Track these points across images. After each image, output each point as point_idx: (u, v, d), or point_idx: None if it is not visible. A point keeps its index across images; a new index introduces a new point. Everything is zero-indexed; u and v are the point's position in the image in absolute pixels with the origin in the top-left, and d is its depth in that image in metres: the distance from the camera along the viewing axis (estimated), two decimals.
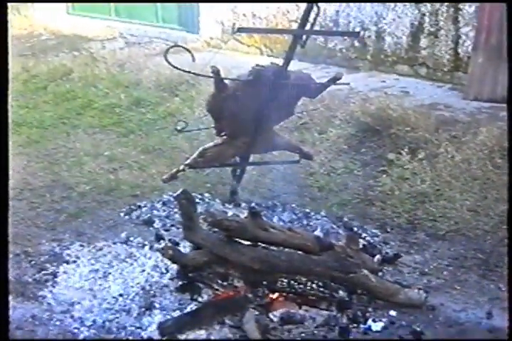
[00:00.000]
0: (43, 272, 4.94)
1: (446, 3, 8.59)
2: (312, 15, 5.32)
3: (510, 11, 4.28)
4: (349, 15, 9.36)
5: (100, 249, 5.34)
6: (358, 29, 9.11)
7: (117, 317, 4.46)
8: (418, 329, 4.40)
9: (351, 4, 9.30)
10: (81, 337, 4.28)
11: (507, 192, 4.38)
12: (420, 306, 4.63)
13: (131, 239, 5.46)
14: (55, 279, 4.90)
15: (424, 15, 8.80)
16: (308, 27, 5.40)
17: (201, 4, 10.85)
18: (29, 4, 12.39)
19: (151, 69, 9.00)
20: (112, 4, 12.06)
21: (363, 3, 9.23)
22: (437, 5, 8.68)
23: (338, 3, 9.34)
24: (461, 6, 8.49)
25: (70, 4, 12.47)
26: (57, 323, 4.36)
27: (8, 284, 3.08)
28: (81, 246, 5.38)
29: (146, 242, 5.39)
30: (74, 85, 9.03)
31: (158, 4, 11.53)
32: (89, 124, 7.91)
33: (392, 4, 9.00)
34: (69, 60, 9.97)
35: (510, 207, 3.90)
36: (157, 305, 4.59)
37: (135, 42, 10.78)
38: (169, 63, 5.24)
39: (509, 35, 4.85)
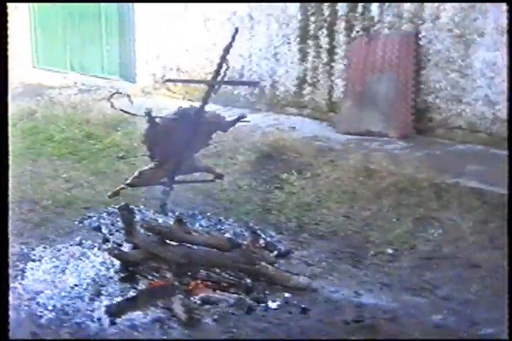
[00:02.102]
0: (14, 268, 4.85)
1: (324, 61, 8.67)
2: (223, 69, 5.36)
3: (510, 11, 4.14)
4: (251, 69, 9.41)
5: (59, 250, 5.29)
6: (257, 80, 9.14)
7: (73, 303, 4.43)
8: (304, 306, 4.44)
9: (253, 61, 9.33)
10: (44, 318, 4.23)
11: (507, 200, 4.30)
12: (306, 289, 4.67)
13: (84, 241, 5.42)
14: (24, 274, 4.85)
15: (306, 70, 8.89)
16: (219, 78, 5.44)
17: (137, 59, 10.82)
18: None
19: (98, 110, 8.94)
20: (68, 59, 11.95)
21: (261, 60, 9.26)
22: (316, 63, 8.75)
23: (242, 60, 9.38)
24: (333, 64, 8.59)
25: (35, 59, 12.31)
26: (26, 308, 4.33)
27: (8, 284, 2.90)
28: (44, 248, 5.33)
29: (96, 244, 5.35)
30: (38, 123, 8.93)
31: (105, 59, 11.48)
32: (50, 153, 7.83)
33: (283, 61, 9.06)
34: (33, 103, 9.86)
35: (510, 210, 3.78)
36: (104, 293, 4.57)
37: (85, 89, 10.68)
38: (112, 106, 5.26)
39: (509, 35, 4.47)
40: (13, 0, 9.60)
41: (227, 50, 5.39)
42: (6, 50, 2.85)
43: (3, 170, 2.81)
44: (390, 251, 5.47)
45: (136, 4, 10.62)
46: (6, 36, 2.83)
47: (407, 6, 7.87)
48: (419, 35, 7.87)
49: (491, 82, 7.40)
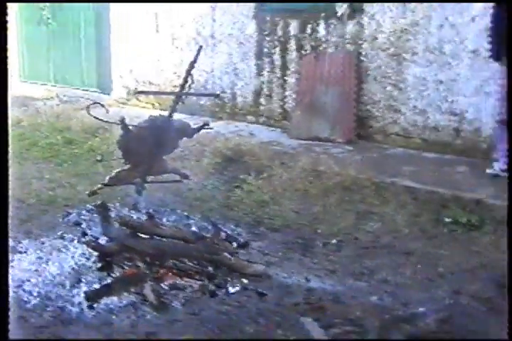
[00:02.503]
0: None
1: (278, 75, 8.69)
2: (188, 82, 5.37)
3: (510, 11, 3.88)
4: (214, 82, 9.42)
5: (43, 243, 5.23)
6: (218, 92, 9.13)
7: (56, 290, 4.40)
8: (261, 291, 4.45)
9: (215, 75, 9.34)
10: (30, 303, 4.20)
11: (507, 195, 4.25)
12: (262, 276, 4.68)
13: (65, 235, 5.37)
14: (11, 264, 4.76)
15: (262, 83, 8.91)
16: (185, 90, 5.44)
17: (113, 74, 10.78)
18: None
19: (78, 118, 8.87)
20: (51, 74, 11.87)
21: (223, 75, 9.27)
22: (271, 77, 8.77)
23: (206, 74, 9.38)
24: (286, 78, 8.61)
25: (22, 74, 12.20)
26: (13, 294, 4.24)
27: (8, 284, 2.74)
28: (29, 241, 5.27)
29: (76, 237, 5.29)
30: (24, 130, 8.85)
31: (84, 73, 11.43)
32: (35, 157, 7.77)
33: (242, 75, 9.08)
34: (20, 113, 9.75)
35: (510, 208, 3.70)
36: (83, 280, 4.52)
37: (67, 100, 10.60)
38: (90, 114, 5.21)
39: (509, 36, 4.20)
40: (13, 0, 9.37)
41: (191, 65, 5.40)
42: (5, 49, 2.68)
43: (2, 172, 2.67)
44: (335, 241, 5.49)
45: (112, 25, 10.58)
46: (5, 36, 2.65)
47: (349, 28, 7.92)
48: (360, 54, 7.93)
49: (421, 94, 7.48)
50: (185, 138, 5.76)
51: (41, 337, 3.85)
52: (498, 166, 6.45)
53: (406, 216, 5.84)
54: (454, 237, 5.50)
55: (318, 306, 4.26)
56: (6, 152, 2.67)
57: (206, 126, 5.71)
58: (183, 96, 5.56)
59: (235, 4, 9.04)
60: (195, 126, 5.69)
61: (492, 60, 6.51)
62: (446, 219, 5.71)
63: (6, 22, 2.69)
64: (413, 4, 7.39)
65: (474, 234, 5.50)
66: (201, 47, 5.57)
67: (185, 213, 5.98)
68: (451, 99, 7.26)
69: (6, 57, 2.68)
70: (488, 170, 6.45)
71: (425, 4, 7.29)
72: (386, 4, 7.59)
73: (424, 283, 4.70)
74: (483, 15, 6.75)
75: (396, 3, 7.52)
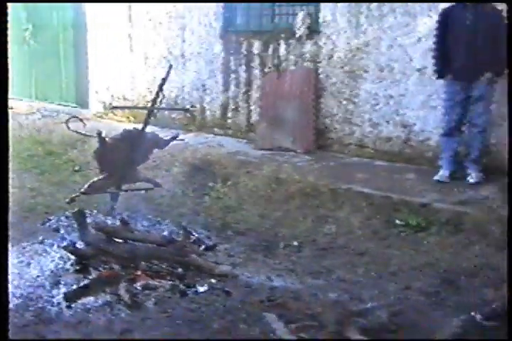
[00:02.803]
0: None
1: (243, 91, 8.71)
2: (160, 98, 5.38)
3: (510, 11, 3.64)
4: (184, 97, 9.41)
5: (24, 248, 5.18)
6: (188, 106, 9.14)
7: (36, 291, 4.36)
8: (227, 289, 4.45)
9: (185, 91, 9.33)
10: (12, 304, 4.12)
11: (507, 196, 4.15)
12: (228, 276, 4.67)
13: (45, 240, 5.31)
14: None
15: (229, 98, 8.92)
16: (157, 105, 5.46)
17: (90, 90, 10.73)
18: None
19: (57, 132, 8.80)
20: (33, 89, 11.79)
21: (192, 90, 9.27)
22: (237, 92, 8.79)
23: (177, 90, 9.37)
24: (250, 93, 8.63)
25: None
26: None
27: (7, 285, 2.67)
28: (12, 245, 5.17)
29: (55, 242, 5.26)
30: None
31: (63, 90, 11.39)
32: (17, 167, 7.67)
33: (209, 91, 9.08)
34: None
35: (510, 208, 3.62)
36: (62, 282, 4.49)
37: (48, 115, 10.51)
38: (69, 128, 5.25)
39: (509, 36, 3.75)
40: (13, 0, 9.18)
41: (163, 82, 5.41)
42: (5, 50, 2.63)
43: (2, 174, 2.64)
44: (295, 243, 5.51)
45: (89, 44, 10.54)
46: (5, 36, 2.60)
47: (307, 47, 7.97)
48: (318, 71, 7.98)
49: (374, 108, 7.53)
50: (157, 149, 5.78)
51: (24, 336, 3.81)
52: (443, 173, 6.53)
53: (360, 219, 5.87)
54: (403, 238, 5.55)
55: (280, 303, 4.27)
56: (7, 162, 2.59)
57: (176, 138, 5.75)
58: (155, 111, 5.58)
59: (202, 26, 9.06)
60: (166, 138, 5.71)
61: (436, 77, 6.58)
62: (397, 222, 5.74)
63: (6, 22, 2.62)
64: (364, 26, 7.45)
65: (422, 235, 5.55)
66: (171, 66, 5.60)
67: (157, 218, 5.96)
68: (401, 113, 7.32)
69: (6, 57, 2.63)
70: (434, 177, 6.51)
71: (376, 26, 7.36)
72: (341, 26, 7.64)
73: (377, 280, 4.74)
74: (428, 36, 6.82)
75: (350, 25, 7.57)
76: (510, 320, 2.99)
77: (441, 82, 6.57)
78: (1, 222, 2.61)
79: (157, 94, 5.48)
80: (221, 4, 8.82)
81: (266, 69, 8.47)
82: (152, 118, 5.61)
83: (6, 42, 2.61)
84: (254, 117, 8.58)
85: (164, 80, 5.42)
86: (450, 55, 6.32)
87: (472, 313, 4.01)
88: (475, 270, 4.90)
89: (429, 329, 3.89)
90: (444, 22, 6.34)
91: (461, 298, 4.44)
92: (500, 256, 5.00)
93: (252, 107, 8.64)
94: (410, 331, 3.90)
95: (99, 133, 5.36)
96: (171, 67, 5.69)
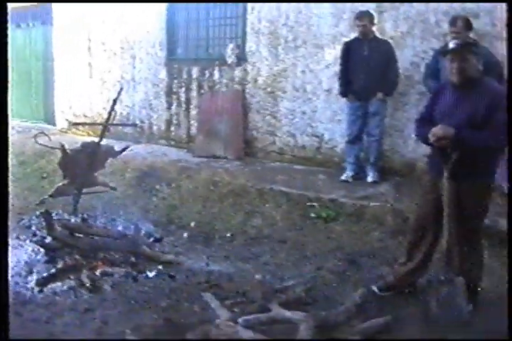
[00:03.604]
0: None
1: (183, 109, 8.67)
2: (112, 115, 5.33)
3: (510, 11, 3.47)
4: (134, 115, 9.30)
5: None
6: (138, 122, 9.06)
7: (13, 278, 4.25)
8: (172, 274, 4.45)
9: (135, 109, 9.24)
10: None
11: (508, 196, 4.00)
12: (173, 263, 4.66)
13: (20, 236, 5.16)
14: None
15: (172, 114, 8.87)
16: (110, 121, 5.41)
17: (56, 109, 10.50)
18: None
19: (29, 145, 8.55)
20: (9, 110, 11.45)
21: (141, 109, 9.18)
22: (178, 110, 8.74)
23: (128, 109, 9.27)
24: (190, 110, 8.61)
25: None
26: None
27: (7, 285, 2.49)
28: None
29: (28, 238, 5.12)
30: None
31: (34, 109, 11.18)
32: None
33: (156, 109, 9.02)
34: None
35: (510, 210, 3.59)
36: (35, 271, 4.41)
37: (21, 131, 10.16)
38: (37, 142, 5.15)
39: (509, 36, 3.59)
40: (13, 0, 8.80)
41: (114, 102, 5.37)
42: (6, 50, 2.42)
43: (2, 175, 2.40)
44: (229, 234, 5.53)
45: (56, 72, 10.33)
46: (5, 36, 2.39)
47: (236, 72, 8.00)
48: (245, 92, 8.01)
49: (291, 122, 7.60)
50: (111, 158, 5.72)
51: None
52: (348, 174, 6.63)
53: (281, 213, 5.90)
54: (317, 228, 5.61)
55: (216, 284, 4.29)
56: (7, 167, 2.41)
57: (127, 149, 5.72)
58: (109, 126, 5.54)
59: (149, 55, 8.99)
60: (119, 149, 5.66)
61: (340, 96, 6.68)
62: (311, 214, 5.79)
63: (6, 22, 2.42)
64: (282, 55, 7.52)
65: (331, 225, 5.61)
66: (122, 88, 5.59)
67: (113, 216, 5.88)
68: (313, 125, 7.40)
69: (6, 57, 2.43)
70: (340, 177, 6.59)
71: (291, 55, 7.43)
72: (263, 55, 7.70)
73: (295, 263, 4.80)
74: (334, 63, 6.93)
75: (271, 55, 7.63)
76: (510, 319, 2.83)
77: (344, 100, 6.67)
78: (1, 223, 2.43)
79: (110, 112, 5.44)
80: (165, 37, 8.77)
81: (202, 91, 8.45)
82: (107, 132, 5.57)
83: (6, 43, 2.41)
84: (193, 130, 8.54)
85: (115, 101, 5.39)
86: (351, 79, 6.43)
87: (371, 286, 4.12)
88: (374, 252, 5.01)
89: (337, 301, 3.96)
90: (346, 52, 6.45)
91: (363, 274, 4.55)
92: (393, 240, 5.14)
93: (191, 122, 8.60)
94: (322, 303, 3.97)
95: (62, 146, 5.30)
96: (121, 89, 5.67)
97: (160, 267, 4.55)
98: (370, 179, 6.50)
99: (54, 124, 10.63)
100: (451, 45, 3.77)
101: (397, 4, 6.55)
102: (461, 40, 4.50)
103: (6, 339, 2.26)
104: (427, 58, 6.16)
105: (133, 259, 4.63)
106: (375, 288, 4.10)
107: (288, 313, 3.42)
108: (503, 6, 5.34)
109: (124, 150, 5.69)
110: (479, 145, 3.51)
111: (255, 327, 3.33)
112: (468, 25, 5.60)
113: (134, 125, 8.40)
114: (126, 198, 6.54)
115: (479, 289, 3.85)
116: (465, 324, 3.52)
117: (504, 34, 5.66)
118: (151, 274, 4.43)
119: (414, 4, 6.43)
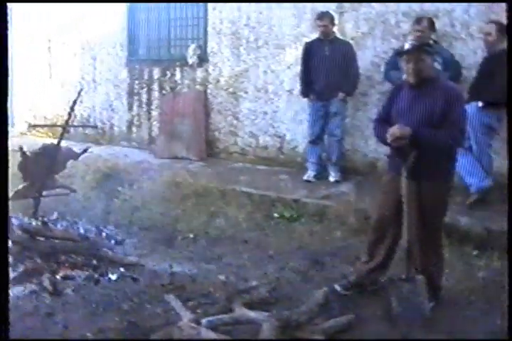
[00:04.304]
0: None
1: (145, 110, 8.62)
2: (72, 117, 5.28)
3: (510, 11, 3.40)
4: (95, 116, 9.21)
5: None
6: (98, 124, 8.98)
7: None
8: (135, 276, 4.42)
9: (96, 110, 9.15)
10: None
11: (507, 193, 3.96)
12: (135, 265, 4.64)
13: None
14: None
15: (133, 116, 8.81)
16: (70, 123, 5.35)
17: (15, 111, 10.28)
18: None
19: None
20: None
21: (102, 110, 9.09)
22: (140, 111, 8.69)
23: (89, 110, 9.18)
24: (151, 112, 8.57)
25: None
26: None
27: (7, 286, 2.43)
28: None
29: None
30: None
31: None
32: None
33: (117, 110, 8.94)
34: None
35: (510, 210, 3.55)
36: None
37: None
38: None
39: (509, 36, 3.57)
40: (13, 0, 8.57)
41: (73, 103, 5.31)
42: (6, 50, 2.38)
43: (2, 176, 2.35)
44: (191, 235, 5.53)
45: (14, 72, 10.12)
46: (6, 36, 2.34)
47: (198, 73, 7.99)
48: (207, 93, 8.00)
49: (253, 122, 7.61)
50: (71, 160, 5.66)
51: None
52: (310, 174, 6.66)
53: (244, 213, 5.90)
54: (279, 228, 5.62)
55: (179, 285, 4.27)
56: (6, 172, 2.37)
57: (88, 150, 5.66)
58: (69, 128, 5.47)
59: (110, 56, 8.92)
60: (79, 151, 5.61)
61: (302, 97, 6.72)
62: (274, 215, 5.80)
63: (6, 22, 2.39)
64: (244, 56, 7.54)
65: (294, 225, 5.62)
66: (81, 89, 5.52)
67: (74, 219, 5.83)
68: (275, 126, 7.43)
69: (6, 57, 2.40)
70: (303, 177, 6.62)
71: (253, 56, 7.46)
72: (225, 55, 7.71)
73: (258, 263, 4.81)
74: (295, 64, 6.97)
75: (232, 55, 7.64)
76: (511, 318, 2.77)
77: (305, 100, 6.72)
78: (2, 226, 2.36)
79: (69, 113, 5.38)
80: (126, 37, 8.71)
81: (164, 92, 8.41)
82: (67, 134, 5.50)
83: (6, 43, 2.36)
84: (155, 131, 8.50)
85: (75, 102, 5.33)
86: (312, 79, 6.47)
87: (334, 285, 4.15)
88: (336, 251, 5.05)
89: (300, 300, 3.97)
90: (307, 52, 6.49)
91: (326, 273, 4.58)
92: (355, 239, 5.17)
93: (153, 123, 8.55)
94: (285, 303, 3.98)
95: (21, 148, 5.21)
96: (81, 90, 5.61)
97: (122, 269, 4.52)
98: (332, 179, 6.55)
99: (13, 126, 10.43)
100: (406, 46, 3.84)
101: (357, 5, 6.63)
102: (416, 40, 4.58)
103: (6, 339, 2.22)
104: (387, 59, 6.23)
105: (95, 262, 4.59)
106: (337, 287, 4.13)
107: (251, 313, 3.43)
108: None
109: (84, 151, 5.64)
110: (436, 143, 3.59)
111: (218, 328, 3.34)
112: (432, 26, 5.71)
113: (95, 126, 8.32)
114: (87, 200, 6.47)
115: (440, 286, 3.92)
116: (427, 322, 3.58)
117: (463, 35, 5.91)
118: (113, 277, 4.40)
119: (375, 5, 6.51)
